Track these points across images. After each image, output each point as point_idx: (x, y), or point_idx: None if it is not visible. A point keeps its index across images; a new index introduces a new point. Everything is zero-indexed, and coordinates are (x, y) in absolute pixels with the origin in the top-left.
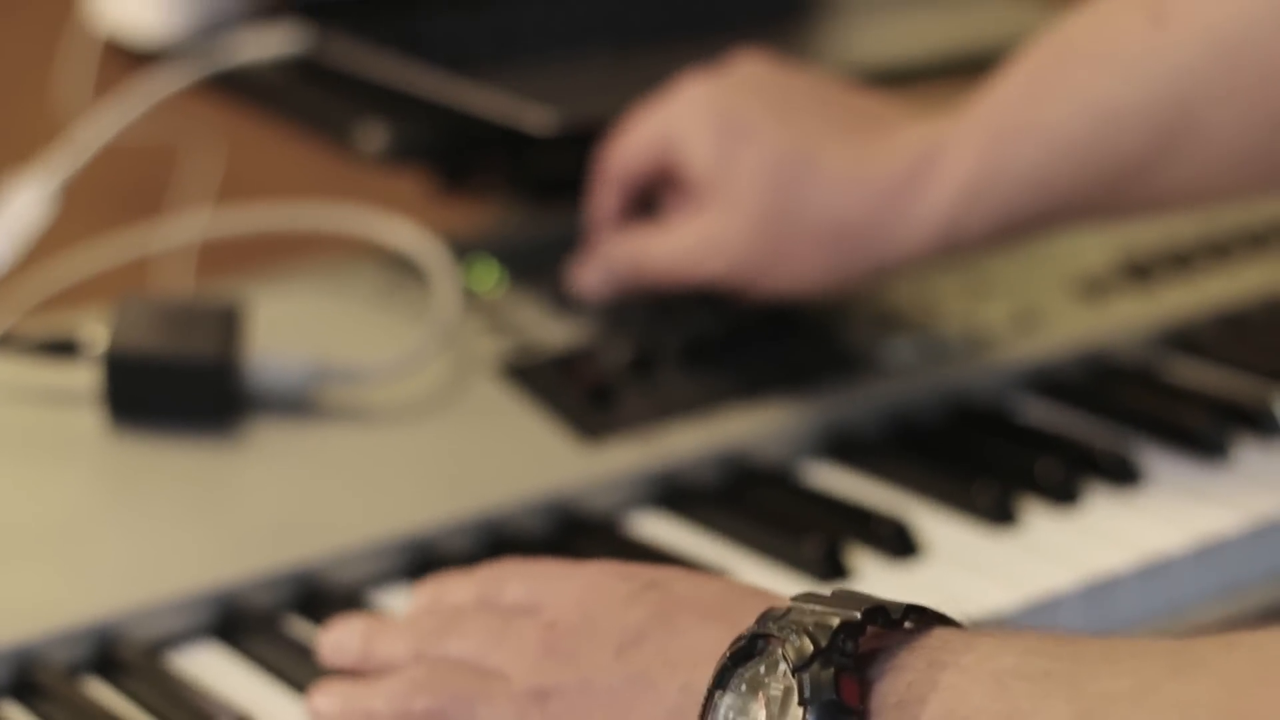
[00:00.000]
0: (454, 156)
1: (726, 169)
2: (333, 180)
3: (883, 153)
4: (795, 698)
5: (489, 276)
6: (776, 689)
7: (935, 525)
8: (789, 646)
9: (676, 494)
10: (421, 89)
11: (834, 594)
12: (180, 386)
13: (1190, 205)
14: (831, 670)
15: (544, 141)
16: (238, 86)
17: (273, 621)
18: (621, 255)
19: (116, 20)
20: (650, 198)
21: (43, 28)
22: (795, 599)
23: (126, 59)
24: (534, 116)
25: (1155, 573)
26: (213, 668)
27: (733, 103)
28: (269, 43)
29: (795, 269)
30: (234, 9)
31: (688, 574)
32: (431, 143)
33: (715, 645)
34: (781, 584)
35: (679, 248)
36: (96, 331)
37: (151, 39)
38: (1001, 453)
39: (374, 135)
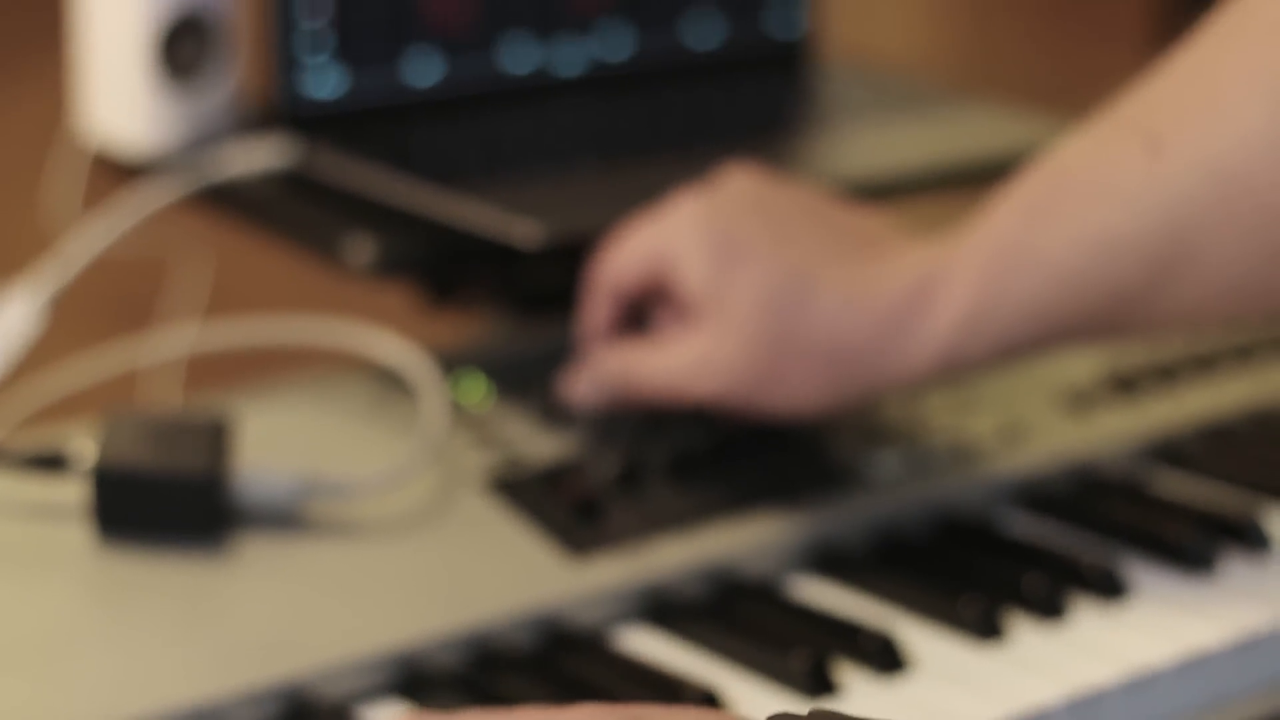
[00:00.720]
0: (442, 270)
1: (723, 290)
2: (321, 293)
3: (881, 277)
4: None
5: (476, 390)
6: None
7: (922, 639)
8: None
9: (663, 608)
10: (409, 203)
11: (810, 714)
12: (168, 501)
13: (1187, 328)
14: None
15: (531, 255)
16: (226, 200)
17: None
18: (615, 369)
19: (105, 133)
20: (642, 310)
21: (32, 140)
22: (772, 718)
23: (115, 172)
24: (521, 230)
25: (1141, 686)
26: None
27: (728, 222)
28: (257, 156)
29: (792, 392)
30: (222, 123)
31: (668, 710)
32: (419, 256)
33: None
34: (769, 699)
35: (674, 367)
36: (85, 446)
37: (140, 152)
38: (988, 566)
39: (362, 249)
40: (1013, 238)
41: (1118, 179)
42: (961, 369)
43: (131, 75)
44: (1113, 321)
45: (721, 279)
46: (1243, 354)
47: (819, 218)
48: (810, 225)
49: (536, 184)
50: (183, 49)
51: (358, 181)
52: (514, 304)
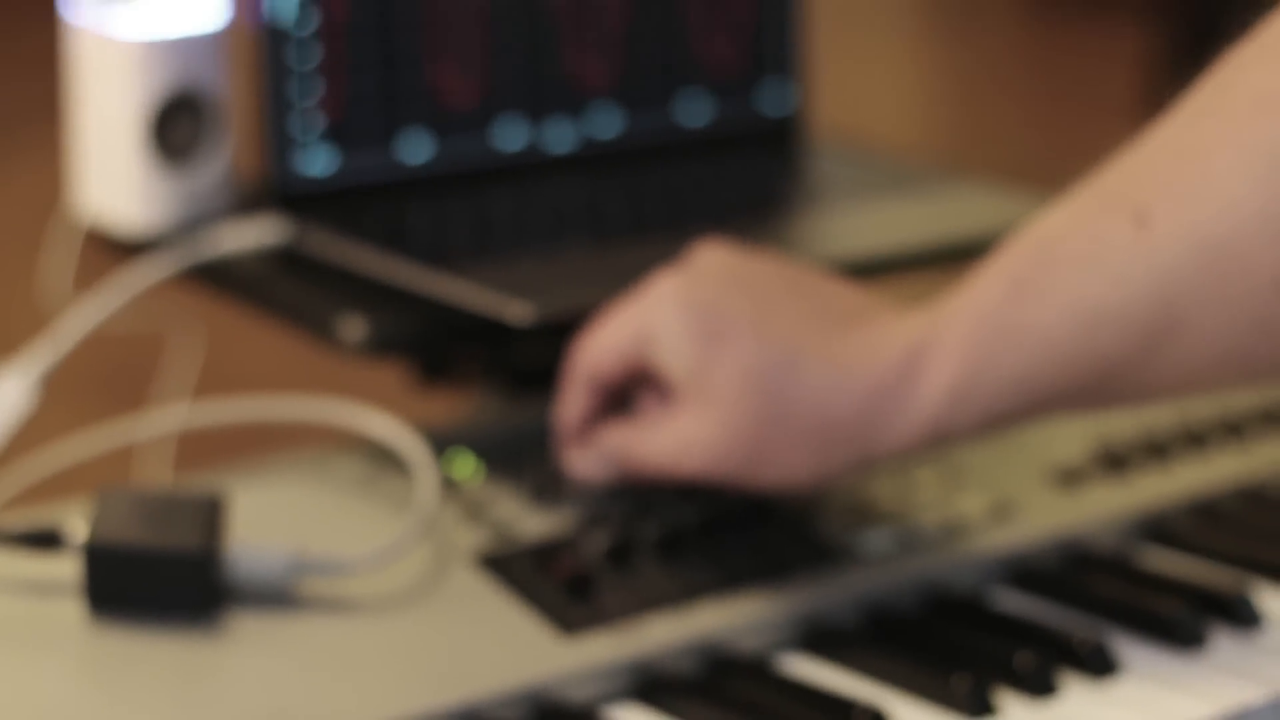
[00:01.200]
0: (433, 348)
1: (707, 371)
2: (314, 369)
3: (865, 350)
4: None
5: (468, 467)
6: None
7: (913, 716)
8: None
9: (654, 685)
10: (401, 281)
11: None
12: (161, 578)
13: (1175, 397)
14: None
15: (523, 333)
16: (219, 277)
17: None
18: (608, 448)
19: (99, 210)
20: (624, 390)
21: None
22: None
23: (110, 248)
24: (513, 310)
25: None
26: None
27: (707, 301)
28: (250, 234)
29: (781, 468)
30: (216, 200)
31: None
32: (411, 335)
33: None
34: None
35: (665, 446)
36: (77, 522)
37: (134, 229)
38: (979, 643)
39: (354, 328)
40: (999, 309)
41: (1104, 251)
42: (950, 440)
43: (125, 153)
44: (1101, 391)
45: (705, 359)
46: (1233, 430)
47: (797, 290)
48: (789, 298)
49: (528, 262)
50: (176, 127)
51: (350, 260)
52: (505, 382)
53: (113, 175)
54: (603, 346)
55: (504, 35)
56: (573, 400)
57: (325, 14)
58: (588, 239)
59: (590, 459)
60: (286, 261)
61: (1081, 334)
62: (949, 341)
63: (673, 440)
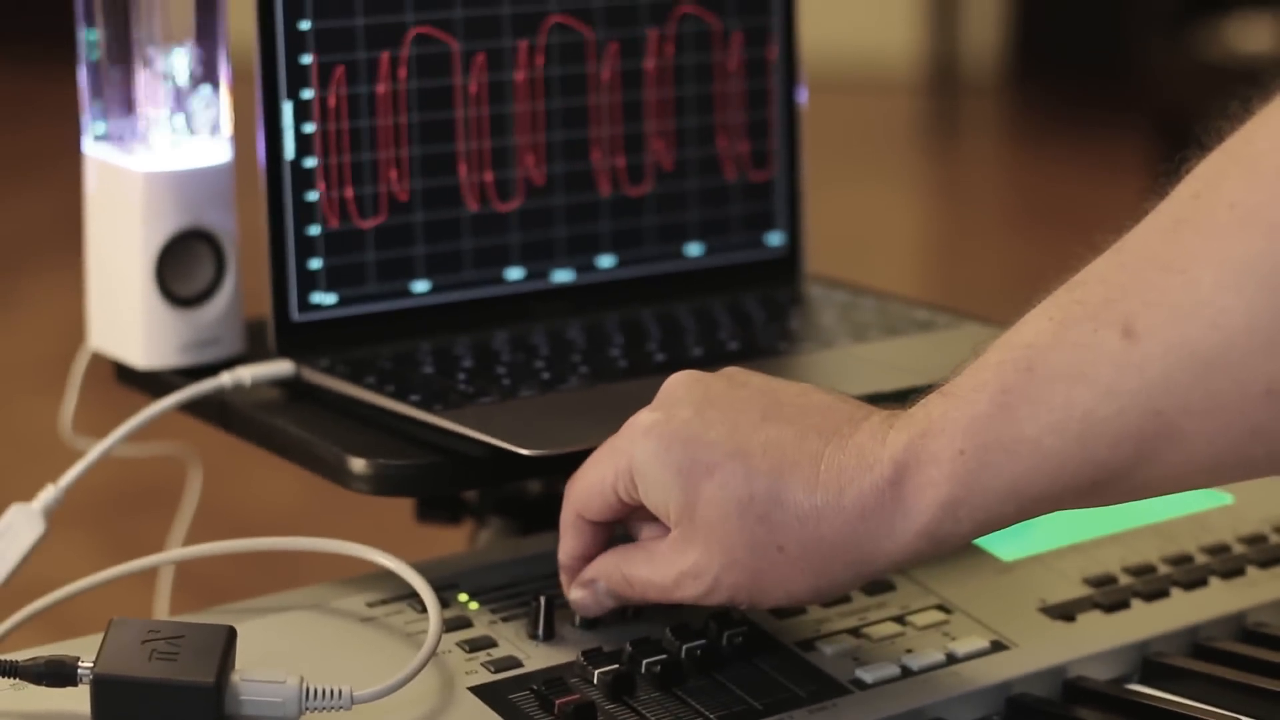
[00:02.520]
0: (437, 486)
1: (694, 508)
2: (320, 502)
3: (852, 469)
4: None
5: (472, 603)
6: None
7: None
8: None
9: None
10: (405, 421)
11: None
12: (168, 710)
13: (1172, 493)
14: None
15: (525, 470)
16: (226, 412)
17: None
18: (607, 578)
19: (109, 343)
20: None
21: (37, 346)
22: None
23: (117, 380)
24: (516, 450)
25: None
26: None
27: (685, 435)
28: (256, 371)
29: (780, 589)
30: (222, 335)
31: None
32: (415, 474)
33: None
34: None
35: (662, 576)
36: (86, 653)
37: (141, 362)
38: None
39: (359, 467)
40: (988, 422)
41: (1093, 363)
42: (946, 548)
43: (132, 290)
44: (1096, 494)
45: (690, 494)
46: (1225, 563)
47: (775, 407)
48: (768, 418)
49: (531, 401)
50: (182, 265)
51: (355, 399)
52: (507, 517)
53: (122, 307)
54: (588, 487)
55: (509, 172)
56: (566, 539)
57: (330, 151)
58: (588, 380)
59: (588, 591)
60: (292, 397)
61: (1073, 446)
62: (939, 455)
63: (670, 570)
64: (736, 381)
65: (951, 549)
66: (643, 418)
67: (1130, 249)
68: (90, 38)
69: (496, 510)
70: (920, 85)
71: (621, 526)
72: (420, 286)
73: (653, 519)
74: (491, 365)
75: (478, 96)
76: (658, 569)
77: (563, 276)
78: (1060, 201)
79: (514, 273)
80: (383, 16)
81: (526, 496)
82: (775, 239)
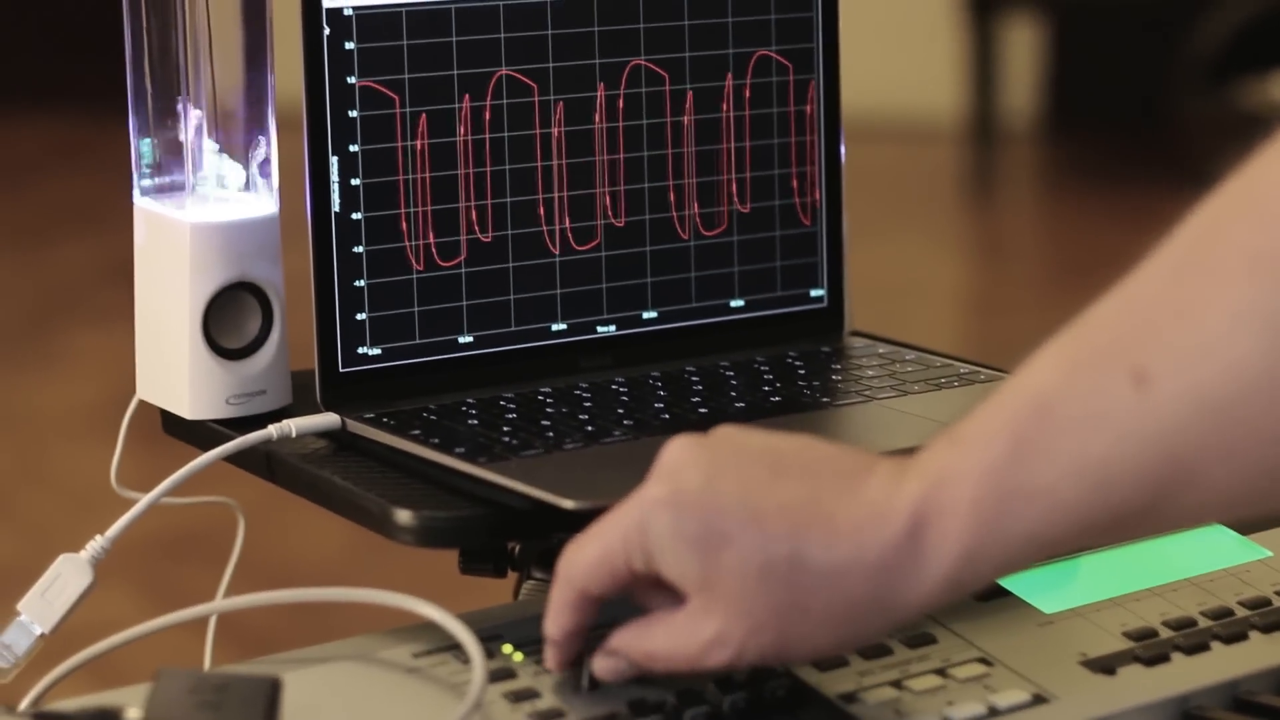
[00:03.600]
0: (481, 538)
1: (713, 578)
2: (364, 554)
3: (868, 522)
4: None
5: (516, 654)
6: None
7: None
8: None
9: None
10: (449, 473)
11: None
12: None
13: (1187, 529)
14: None
15: (571, 523)
16: (272, 463)
17: None
18: (628, 653)
19: (156, 392)
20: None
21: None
22: None
23: (165, 430)
24: (561, 499)
25: None
26: None
27: (696, 504)
28: (304, 423)
29: (807, 646)
30: (269, 387)
31: None
32: (459, 526)
33: None
34: None
35: (687, 647)
36: (133, 703)
37: (188, 412)
38: None
39: (404, 519)
40: (1004, 471)
41: (1108, 412)
42: (968, 591)
43: (179, 341)
44: (1114, 534)
45: (708, 564)
46: (1265, 616)
47: (783, 465)
48: (777, 477)
49: (575, 454)
50: (230, 316)
51: (399, 450)
52: (552, 570)
53: (169, 358)
54: (595, 562)
55: (552, 223)
56: (563, 616)
57: (376, 201)
58: (631, 434)
59: (610, 663)
60: (337, 448)
61: (1090, 492)
62: (955, 506)
63: (694, 641)
64: (737, 443)
65: (975, 590)
66: (651, 490)
67: (1138, 293)
68: (140, 91)
69: (540, 562)
70: (960, 137)
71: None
72: (465, 339)
73: (661, 589)
74: (536, 418)
75: (524, 151)
76: (681, 641)
77: (606, 329)
78: (1098, 255)
79: (558, 325)
80: (428, 71)
81: None
82: (817, 292)
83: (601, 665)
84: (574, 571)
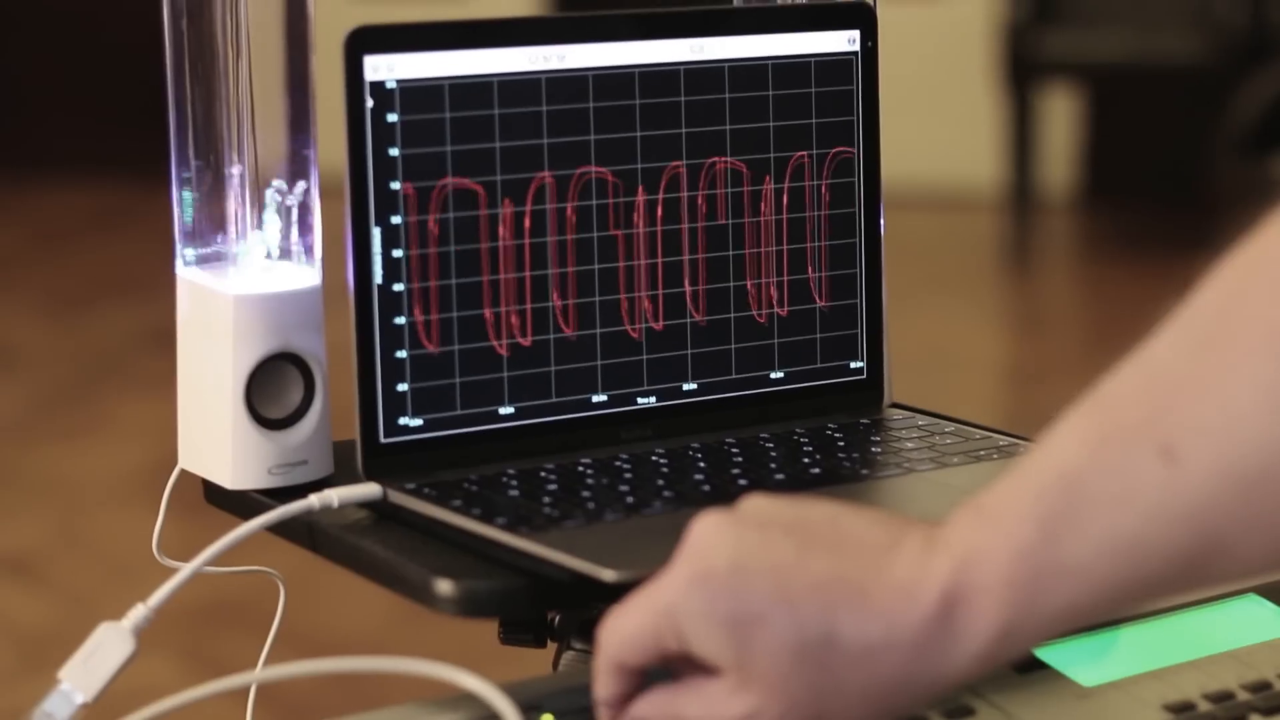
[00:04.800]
0: (521, 609)
1: (746, 658)
2: (404, 623)
3: (900, 600)
4: None
5: None
6: None
7: None
8: None
9: None
10: (491, 544)
11: None
12: None
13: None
14: None
15: (609, 595)
16: (315, 534)
17: None
18: (663, 715)
19: (198, 461)
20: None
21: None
22: None
23: (206, 498)
24: (601, 570)
25: None
26: None
27: (728, 586)
28: (346, 494)
29: (845, 718)
30: (310, 457)
31: None
32: (499, 597)
33: None
34: None
35: (721, 719)
36: None
37: (230, 482)
38: None
39: (444, 589)
40: (1036, 550)
41: (1135, 488)
42: (1010, 658)
43: (222, 411)
44: (1149, 601)
45: (741, 646)
46: None
47: (812, 539)
48: (806, 552)
49: (615, 525)
50: (272, 387)
51: (440, 521)
52: (592, 640)
53: (211, 428)
54: (629, 637)
55: (593, 294)
56: (609, 683)
57: (418, 273)
58: (670, 505)
59: None
60: (379, 518)
61: (1123, 568)
62: (988, 585)
63: (727, 714)
64: (765, 517)
65: (1011, 661)
66: (680, 570)
67: (1160, 365)
68: (183, 161)
69: (580, 633)
70: (998, 206)
71: None
72: (506, 410)
73: (700, 668)
74: (576, 488)
75: (564, 224)
76: (714, 712)
77: (647, 401)
78: (1135, 324)
79: (599, 397)
80: (471, 144)
81: None
82: (857, 364)
83: None
84: (610, 644)
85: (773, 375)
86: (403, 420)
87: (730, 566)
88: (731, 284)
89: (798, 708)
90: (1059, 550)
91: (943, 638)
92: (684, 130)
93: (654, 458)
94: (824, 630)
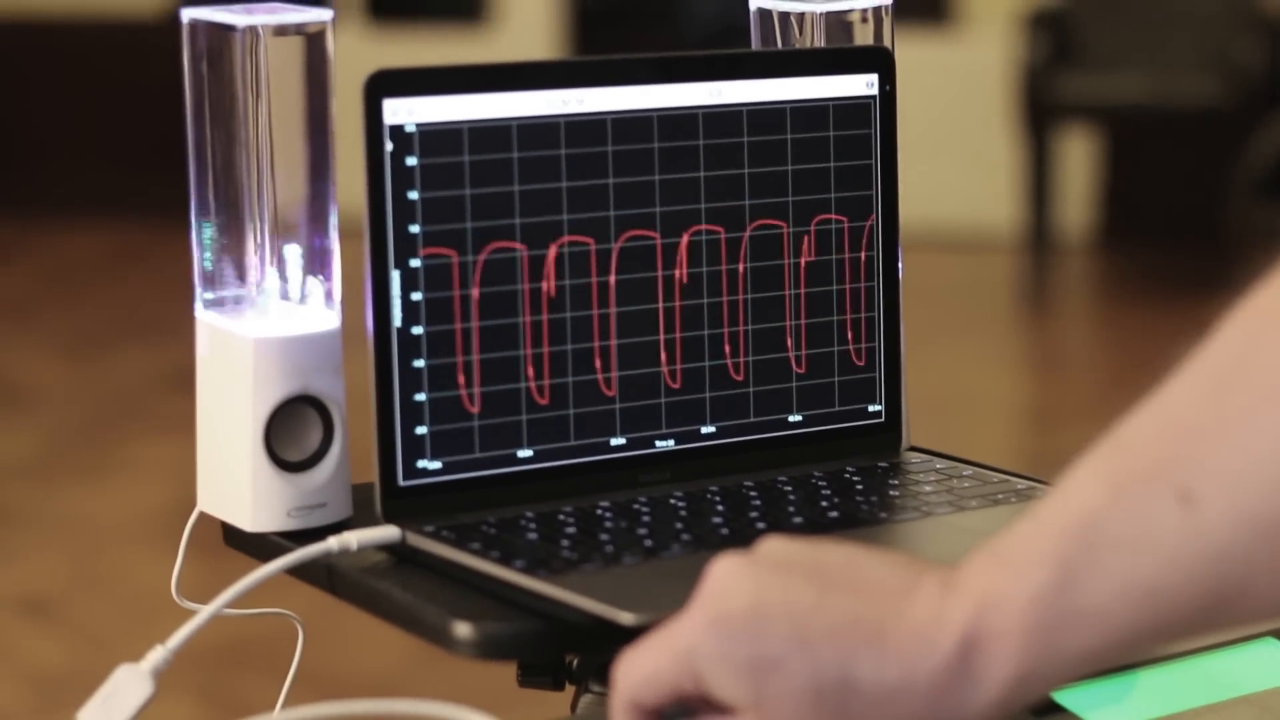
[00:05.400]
0: (540, 652)
1: (764, 700)
2: (422, 666)
3: (915, 646)
4: None
5: None
6: None
7: None
8: None
9: None
10: (510, 587)
11: None
12: None
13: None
14: None
15: (627, 638)
16: (334, 577)
17: None
18: None
19: (217, 505)
20: None
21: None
22: None
23: (224, 540)
24: (620, 614)
25: None
26: None
27: (745, 632)
28: (365, 536)
29: None
30: (332, 503)
31: None
32: (518, 640)
33: None
34: None
35: None
36: None
37: (248, 524)
38: None
39: (463, 632)
40: (1053, 595)
41: (1154, 533)
42: (1028, 700)
43: (241, 454)
44: (1168, 645)
45: (759, 690)
46: None
47: (827, 582)
48: (825, 594)
49: (634, 569)
50: (291, 429)
51: (459, 564)
52: (609, 683)
53: (230, 470)
54: (645, 679)
55: (611, 338)
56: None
57: (436, 316)
58: (689, 547)
59: None
60: (397, 561)
61: (1140, 613)
62: (1005, 630)
63: None
64: (782, 560)
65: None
66: (697, 614)
67: (1177, 411)
68: (203, 204)
69: (599, 675)
70: (1016, 249)
71: None
72: (524, 453)
73: (715, 709)
74: (594, 532)
75: (583, 266)
76: None
77: (665, 444)
78: (1153, 367)
79: (617, 440)
80: (489, 187)
81: None
82: (875, 407)
83: None
84: (626, 684)
85: (791, 418)
86: (421, 463)
87: (748, 610)
88: (750, 327)
89: None
90: (1077, 594)
91: (961, 682)
92: (703, 174)
93: (672, 501)
94: (842, 674)
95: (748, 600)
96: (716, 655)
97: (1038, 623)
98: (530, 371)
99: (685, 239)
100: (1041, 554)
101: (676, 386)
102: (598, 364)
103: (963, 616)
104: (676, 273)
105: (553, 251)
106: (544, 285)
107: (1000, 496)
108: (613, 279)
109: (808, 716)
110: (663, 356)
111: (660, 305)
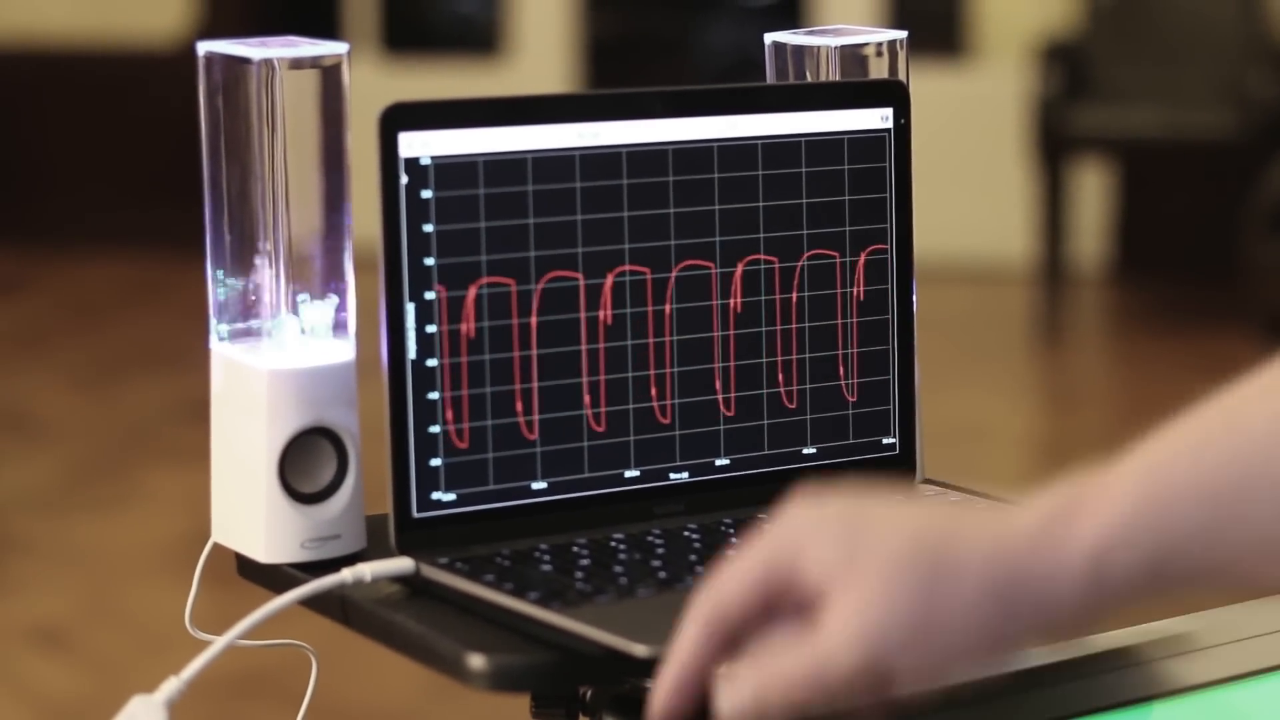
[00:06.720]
0: (554, 684)
1: (856, 561)
2: (435, 697)
3: (1015, 514)
4: None
5: None
6: None
7: None
8: None
9: None
10: (524, 618)
11: None
12: None
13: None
14: None
15: (641, 670)
16: (348, 609)
17: None
18: (758, 670)
19: (232, 536)
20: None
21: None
22: None
23: (238, 571)
24: (634, 646)
25: None
26: None
27: (844, 509)
28: (379, 568)
29: (950, 636)
30: (346, 535)
31: None
32: (532, 672)
33: None
34: None
35: (822, 648)
36: None
37: (262, 555)
38: None
39: (477, 664)
40: (1148, 479)
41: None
42: (1111, 593)
43: (255, 486)
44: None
45: (853, 553)
46: None
47: (901, 503)
48: (911, 508)
49: (648, 601)
50: (305, 461)
51: (473, 595)
52: (623, 715)
53: (245, 502)
54: (735, 581)
55: (625, 370)
56: (691, 645)
57: (451, 349)
58: (705, 574)
59: (733, 694)
60: (411, 593)
61: (1254, 485)
62: (1110, 490)
63: (833, 636)
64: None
65: (1115, 601)
66: (790, 508)
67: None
68: (218, 237)
69: (612, 708)
70: (1030, 281)
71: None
72: (538, 485)
73: (785, 628)
74: (608, 563)
75: (598, 300)
76: (815, 643)
77: (679, 476)
78: (1167, 399)
79: (631, 472)
80: (504, 219)
81: (642, 695)
82: (889, 440)
83: (723, 698)
84: (714, 594)
85: (805, 451)
86: (435, 495)
87: (845, 500)
88: (764, 360)
89: (897, 614)
90: (1168, 485)
91: (1058, 533)
92: (717, 207)
93: (686, 533)
94: (934, 540)
95: (845, 498)
96: (813, 526)
97: (1149, 483)
98: (545, 403)
99: (698, 270)
100: (1168, 439)
101: (691, 417)
102: (611, 396)
103: (1059, 491)
104: (690, 305)
105: (566, 284)
106: (558, 317)
107: None
108: (629, 311)
109: (897, 572)
110: (678, 385)
111: (675, 338)
